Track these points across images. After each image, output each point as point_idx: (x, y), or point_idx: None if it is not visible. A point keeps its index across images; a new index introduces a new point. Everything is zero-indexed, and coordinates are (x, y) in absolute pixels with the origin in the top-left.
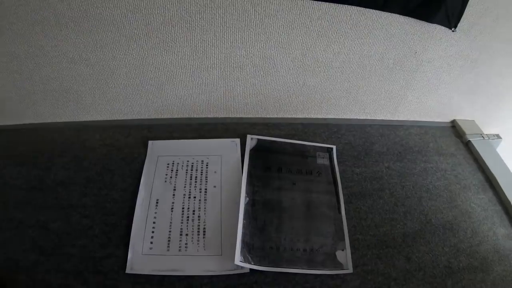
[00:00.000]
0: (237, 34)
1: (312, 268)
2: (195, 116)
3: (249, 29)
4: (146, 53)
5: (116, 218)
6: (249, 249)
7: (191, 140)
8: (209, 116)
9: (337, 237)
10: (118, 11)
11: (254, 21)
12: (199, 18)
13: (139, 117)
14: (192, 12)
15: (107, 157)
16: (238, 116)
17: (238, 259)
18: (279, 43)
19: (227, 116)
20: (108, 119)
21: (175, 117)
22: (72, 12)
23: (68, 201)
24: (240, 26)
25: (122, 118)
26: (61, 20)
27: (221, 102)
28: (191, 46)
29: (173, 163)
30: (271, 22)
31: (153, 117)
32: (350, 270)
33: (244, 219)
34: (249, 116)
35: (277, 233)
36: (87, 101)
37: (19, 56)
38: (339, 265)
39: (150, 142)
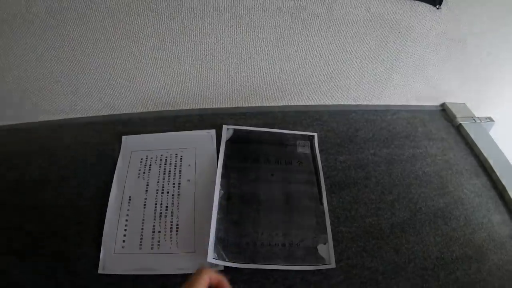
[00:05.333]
0: (206, 20)
1: (292, 263)
2: (169, 108)
3: (218, 14)
4: (114, 45)
5: (90, 217)
6: (223, 246)
7: (164, 133)
8: (183, 108)
9: (318, 230)
10: (82, 3)
11: (223, 5)
12: (165, 5)
13: (113, 112)
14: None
15: (82, 155)
16: (214, 106)
17: (211, 256)
18: (250, 27)
19: (202, 107)
20: (82, 116)
21: (148, 110)
22: (36, 8)
23: (43, 201)
24: (208, 11)
25: (96, 115)
26: (27, 17)
27: (195, 93)
28: (159, 35)
29: (146, 158)
30: (240, 5)
31: (127, 112)
32: (333, 265)
33: (218, 213)
34: (226, 106)
35: (254, 227)
36: (60, 99)
37: None
38: (320, 260)
39: (124, 137)
